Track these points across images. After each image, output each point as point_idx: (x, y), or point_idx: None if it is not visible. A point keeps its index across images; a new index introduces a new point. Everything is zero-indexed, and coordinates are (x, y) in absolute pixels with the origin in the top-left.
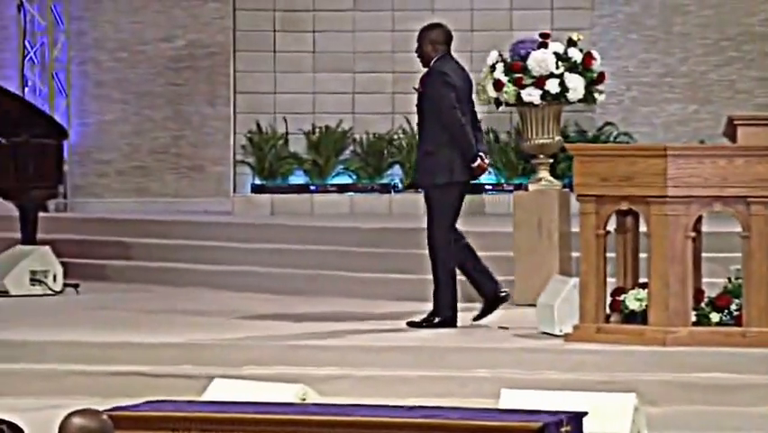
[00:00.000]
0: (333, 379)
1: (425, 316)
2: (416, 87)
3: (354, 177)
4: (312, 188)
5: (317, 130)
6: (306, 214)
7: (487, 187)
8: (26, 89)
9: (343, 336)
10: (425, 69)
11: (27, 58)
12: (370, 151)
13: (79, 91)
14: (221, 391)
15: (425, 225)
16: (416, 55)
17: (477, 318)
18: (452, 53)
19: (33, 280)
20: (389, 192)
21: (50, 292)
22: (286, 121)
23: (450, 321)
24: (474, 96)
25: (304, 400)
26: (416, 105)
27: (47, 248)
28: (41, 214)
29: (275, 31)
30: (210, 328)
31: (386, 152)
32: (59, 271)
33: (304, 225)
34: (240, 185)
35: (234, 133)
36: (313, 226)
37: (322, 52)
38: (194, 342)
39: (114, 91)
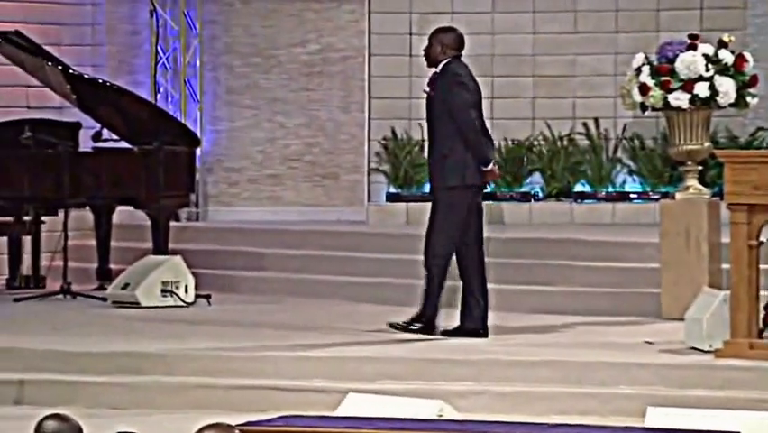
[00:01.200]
0: (471, 394)
1: (409, 319)
2: (426, 89)
3: (492, 185)
4: None
5: None
6: None
7: (632, 195)
8: (158, 95)
9: (481, 350)
10: (432, 71)
11: (159, 63)
12: (509, 158)
13: (211, 97)
14: (355, 405)
15: (566, 234)
16: (422, 54)
17: (446, 332)
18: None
19: (165, 292)
20: (529, 201)
21: (181, 304)
22: (422, 127)
23: (430, 326)
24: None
25: (441, 416)
26: (426, 109)
27: (178, 258)
28: (172, 223)
29: (411, 34)
30: (343, 340)
31: (525, 158)
32: (191, 281)
33: None
34: (374, 193)
35: (369, 140)
36: None
37: None
38: (327, 355)
39: (245, 97)
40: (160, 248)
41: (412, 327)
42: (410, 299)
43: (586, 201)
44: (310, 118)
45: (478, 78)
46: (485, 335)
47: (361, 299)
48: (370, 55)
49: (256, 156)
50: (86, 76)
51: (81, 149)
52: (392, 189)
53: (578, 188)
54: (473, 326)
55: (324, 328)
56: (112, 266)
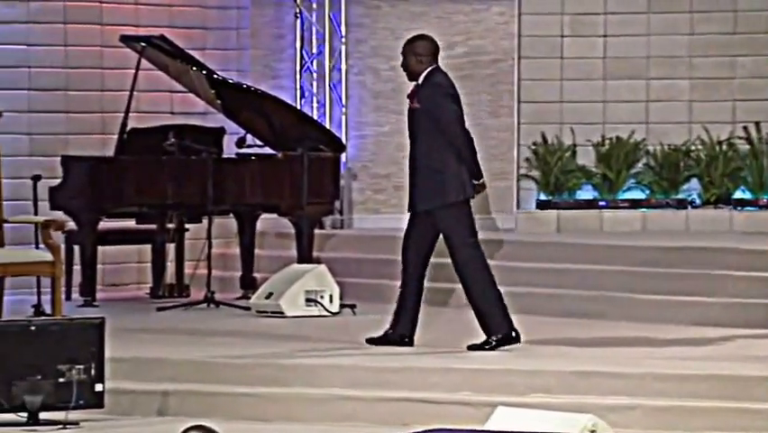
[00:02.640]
0: (624, 409)
1: (484, 339)
2: (412, 104)
3: (647, 191)
4: (601, 203)
5: (607, 141)
6: (594, 231)
7: None
8: (302, 100)
9: (634, 363)
10: (413, 84)
11: (304, 68)
12: (665, 163)
13: (357, 101)
14: (504, 419)
15: (724, 243)
16: (402, 69)
17: (372, 339)
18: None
19: (309, 301)
20: (686, 208)
21: (326, 313)
22: (573, 132)
23: (509, 336)
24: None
25: (593, 431)
26: (409, 123)
27: (323, 267)
28: (316, 231)
29: (563, 36)
30: (491, 353)
31: (682, 164)
32: (336, 291)
33: (592, 244)
34: (524, 200)
35: (518, 145)
36: (602, 245)
37: (613, 58)
38: (475, 367)
39: (391, 101)
40: (305, 256)
41: (493, 343)
42: (562, 309)
43: (746, 208)
44: None
45: (633, 82)
46: (411, 343)
47: (510, 309)
48: (519, 58)
49: (402, 162)
50: (230, 80)
51: (225, 155)
52: (542, 196)
53: (737, 194)
54: (403, 332)
55: (470, 339)
56: (255, 275)
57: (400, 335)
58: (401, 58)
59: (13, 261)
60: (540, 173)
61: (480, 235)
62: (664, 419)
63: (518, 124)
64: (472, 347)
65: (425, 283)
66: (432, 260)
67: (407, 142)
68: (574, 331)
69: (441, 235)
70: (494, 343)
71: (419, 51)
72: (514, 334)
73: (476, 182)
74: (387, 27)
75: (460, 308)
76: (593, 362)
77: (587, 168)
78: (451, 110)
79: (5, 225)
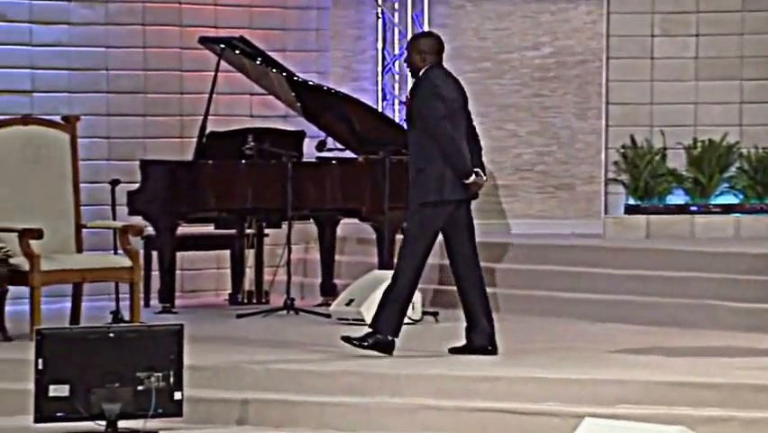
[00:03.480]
0: (718, 421)
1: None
2: (404, 99)
3: (741, 196)
4: (693, 208)
5: (699, 144)
6: (685, 237)
7: None
8: (384, 102)
9: (728, 373)
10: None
11: (386, 69)
12: (760, 167)
13: None
14: (592, 431)
15: None
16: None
17: (347, 338)
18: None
19: None
20: None
21: (408, 321)
22: (663, 134)
23: (387, 344)
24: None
25: None
26: (405, 120)
27: None
28: (398, 236)
29: (653, 36)
30: (578, 362)
31: None
32: (418, 298)
33: (683, 250)
34: (612, 205)
35: (606, 149)
36: (693, 251)
37: (705, 58)
38: (562, 377)
39: (475, 104)
40: (386, 262)
41: (364, 343)
42: (651, 318)
43: None
44: (543, 126)
45: (726, 83)
46: (494, 352)
47: (597, 317)
48: (608, 58)
49: (486, 166)
50: (310, 83)
51: (305, 159)
52: (631, 201)
53: None
54: (481, 343)
55: (557, 349)
56: (336, 281)
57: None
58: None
59: (91, 266)
60: (629, 177)
61: (567, 241)
62: (760, 431)
63: (606, 126)
64: (346, 338)
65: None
66: (516, 267)
67: (492, 145)
68: (664, 340)
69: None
70: (369, 342)
71: (424, 49)
72: (389, 343)
73: (466, 182)
74: (471, 27)
75: (545, 316)
76: (684, 371)
77: (677, 172)
78: (435, 109)
79: (84, 230)
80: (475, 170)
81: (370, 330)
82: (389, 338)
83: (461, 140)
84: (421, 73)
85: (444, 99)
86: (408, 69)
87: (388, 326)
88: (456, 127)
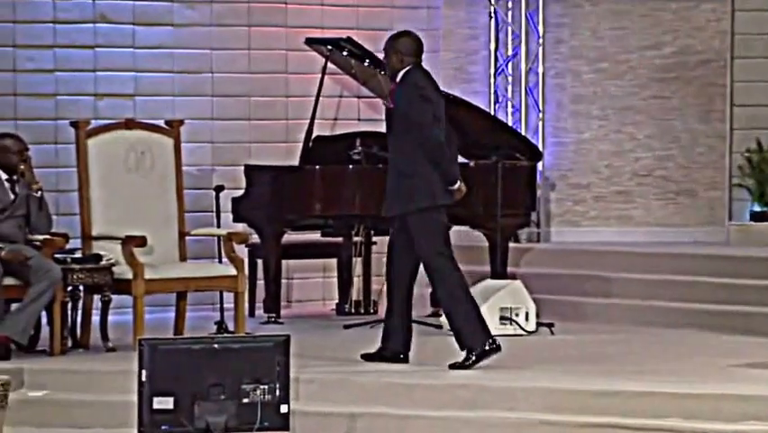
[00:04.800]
0: None
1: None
2: (386, 102)
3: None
4: None
5: None
6: None
7: None
8: (497, 105)
9: None
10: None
11: (498, 71)
12: None
13: (554, 107)
14: None
15: None
16: (386, 66)
17: (366, 355)
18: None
19: (504, 319)
20: None
21: (521, 332)
22: None
23: (485, 351)
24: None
25: None
26: (386, 123)
27: (518, 283)
28: (511, 244)
29: None
30: (702, 375)
31: None
32: (532, 308)
33: None
34: (737, 212)
35: (731, 153)
36: None
37: None
38: (682, 391)
39: (593, 106)
40: (499, 271)
41: (473, 359)
42: None
43: None
44: (664, 129)
45: None
46: (406, 360)
47: (719, 328)
48: (732, 58)
49: (603, 171)
50: None
51: None
52: (757, 207)
53: None
54: (396, 348)
55: (677, 361)
56: None
57: (393, 352)
58: (384, 55)
59: (195, 275)
60: (755, 183)
61: (689, 249)
62: None
63: (731, 129)
64: (453, 366)
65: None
66: (633, 276)
67: (610, 150)
68: None
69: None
70: (473, 359)
71: (401, 49)
72: (491, 346)
73: (451, 188)
74: (587, 27)
75: (664, 327)
76: None
77: None
78: (422, 112)
79: (187, 237)
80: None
81: (467, 354)
82: (489, 345)
83: (447, 145)
84: (400, 75)
85: (432, 103)
86: (387, 70)
87: (478, 337)
88: (442, 131)
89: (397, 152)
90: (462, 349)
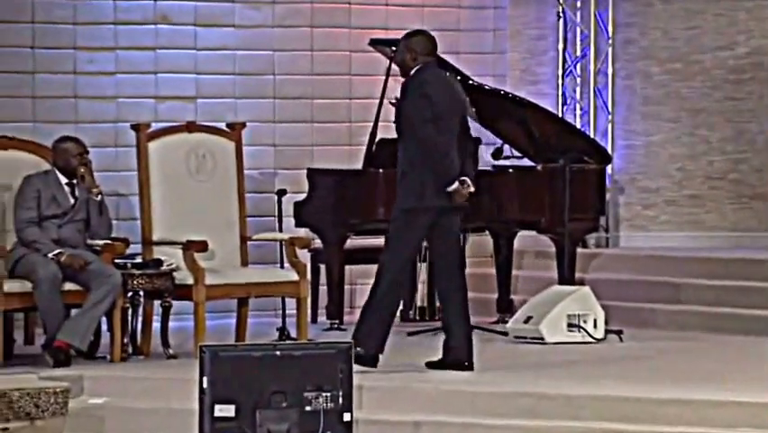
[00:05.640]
0: None
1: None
2: (392, 101)
3: None
4: None
5: None
6: None
7: None
8: (565, 107)
9: None
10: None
11: (567, 72)
12: None
13: (625, 109)
14: None
15: None
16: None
17: (431, 365)
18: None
19: (571, 326)
20: None
21: (589, 340)
22: None
23: (368, 359)
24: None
25: None
26: (394, 121)
27: (587, 289)
28: (579, 250)
29: None
30: None
31: None
32: (601, 315)
33: None
34: None
35: None
36: None
37: None
38: (757, 401)
39: (664, 108)
40: (566, 277)
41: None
42: None
43: None
44: (737, 131)
45: None
46: (470, 367)
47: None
48: None
49: (675, 174)
50: (486, 86)
51: (480, 167)
52: None
53: None
54: (456, 358)
55: (749, 369)
56: (513, 297)
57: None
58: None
59: (256, 280)
60: None
61: (762, 255)
62: None
63: None
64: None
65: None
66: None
67: (682, 152)
68: None
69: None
70: (356, 355)
71: (414, 48)
72: (371, 358)
73: (448, 189)
74: (659, 26)
75: (739, 335)
76: None
77: None
78: (420, 112)
79: (249, 242)
80: (461, 177)
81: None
82: (372, 353)
83: (448, 145)
84: (413, 73)
85: (432, 101)
86: (398, 68)
87: (372, 339)
88: (444, 131)
89: (400, 150)
90: (357, 344)
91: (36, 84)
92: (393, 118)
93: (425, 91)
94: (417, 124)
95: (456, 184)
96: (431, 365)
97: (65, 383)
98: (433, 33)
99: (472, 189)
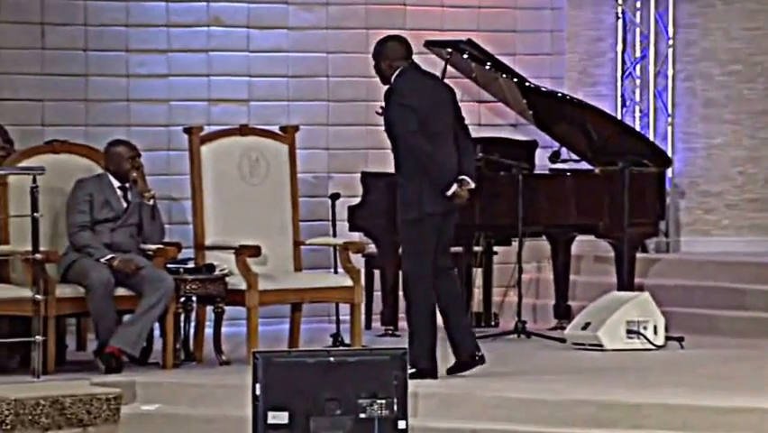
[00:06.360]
0: None
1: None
2: (378, 110)
3: None
4: None
5: None
6: None
7: None
8: (623, 110)
9: None
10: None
11: (626, 73)
12: None
13: (685, 111)
14: None
15: None
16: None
17: (451, 371)
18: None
19: (631, 333)
20: None
21: (649, 347)
22: None
23: (429, 372)
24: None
25: None
26: (384, 131)
27: (646, 295)
28: (639, 255)
29: None
30: None
31: None
32: (661, 321)
33: None
34: None
35: None
36: None
37: None
38: None
39: (725, 110)
40: (626, 283)
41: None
42: None
43: None
44: None
45: None
46: (482, 359)
47: None
48: None
49: (736, 178)
50: (543, 88)
51: (537, 171)
52: None
53: None
54: (466, 354)
55: None
56: (571, 303)
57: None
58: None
59: (310, 286)
60: None
61: None
62: None
63: None
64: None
65: None
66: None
67: (743, 155)
68: None
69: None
70: (411, 374)
71: (388, 54)
72: (429, 372)
73: (447, 194)
74: (720, 27)
75: None
76: None
77: None
78: (403, 122)
79: (302, 247)
80: (460, 177)
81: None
82: (430, 366)
83: (439, 149)
84: (392, 80)
85: (414, 109)
86: (380, 80)
87: (425, 354)
88: (433, 136)
89: (395, 159)
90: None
91: (89, 87)
92: (384, 126)
93: (404, 102)
94: (404, 135)
95: (455, 187)
96: (451, 371)
97: (117, 390)
98: (488, 35)
99: (472, 186)
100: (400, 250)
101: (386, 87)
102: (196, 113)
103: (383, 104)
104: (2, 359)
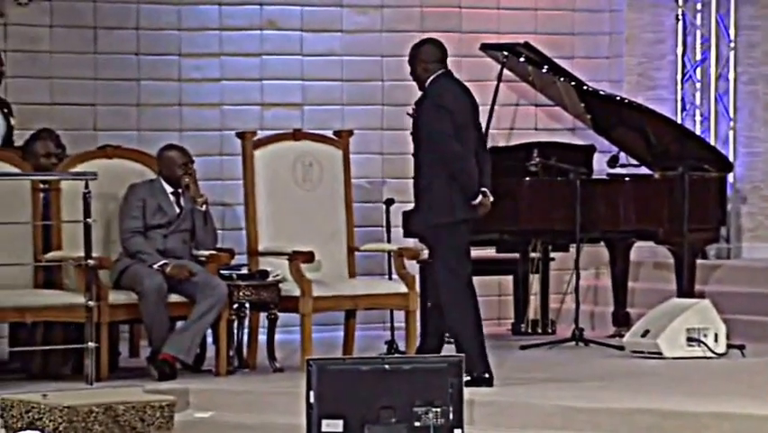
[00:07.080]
0: None
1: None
2: (409, 112)
3: None
4: None
5: None
6: None
7: None
8: (683, 113)
9: None
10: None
11: (686, 77)
12: None
13: (746, 115)
14: None
15: None
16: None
17: (468, 384)
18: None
19: (691, 340)
20: None
21: (710, 355)
22: None
23: (485, 380)
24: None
25: None
26: (411, 134)
27: (707, 302)
28: (699, 261)
29: None
30: None
31: None
32: (722, 329)
33: None
34: None
35: None
36: None
37: None
38: None
39: None
40: (686, 290)
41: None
42: None
43: None
44: None
45: None
46: (491, 379)
47: None
48: None
49: None
50: (601, 92)
51: (595, 175)
52: None
53: None
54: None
55: None
56: (629, 310)
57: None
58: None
59: (364, 292)
60: None
61: None
62: None
63: None
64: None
65: None
66: None
67: None
68: None
69: None
70: (468, 381)
71: (424, 58)
72: (487, 376)
73: (474, 202)
74: None
75: None
76: None
77: None
78: (442, 126)
79: (356, 253)
80: (481, 189)
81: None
82: (485, 374)
83: (469, 158)
84: (427, 84)
85: (451, 113)
86: (416, 83)
87: (479, 361)
88: (465, 142)
89: (418, 166)
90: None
91: (141, 91)
92: (411, 128)
93: (444, 104)
94: (439, 139)
95: (480, 197)
96: (468, 384)
97: (171, 397)
98: (545, 38)
99: (492, 199)
100: (430, 255)
101: (421, 90)
102: (249, 117)
103: (414, 106)
104: (55, 366)
